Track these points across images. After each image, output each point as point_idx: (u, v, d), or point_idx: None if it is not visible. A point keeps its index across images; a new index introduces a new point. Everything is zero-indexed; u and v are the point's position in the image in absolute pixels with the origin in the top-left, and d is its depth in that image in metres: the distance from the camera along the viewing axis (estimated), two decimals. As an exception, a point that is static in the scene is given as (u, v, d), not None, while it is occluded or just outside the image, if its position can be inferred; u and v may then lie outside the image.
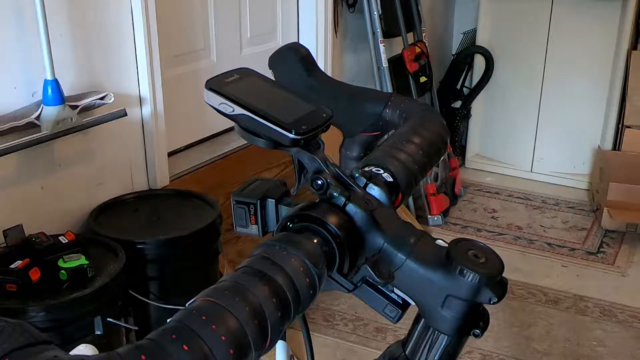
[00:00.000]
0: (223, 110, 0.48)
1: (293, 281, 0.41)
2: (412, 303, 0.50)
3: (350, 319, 2.48)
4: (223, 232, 1.94)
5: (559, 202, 3.59)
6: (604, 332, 2.46)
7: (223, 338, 0.34)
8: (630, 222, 3.14)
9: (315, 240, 0.46)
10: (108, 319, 1.54)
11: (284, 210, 0.52)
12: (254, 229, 0.54)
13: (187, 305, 0.37)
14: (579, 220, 3.38)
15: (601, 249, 3.09)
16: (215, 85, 0.50)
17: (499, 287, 0.46)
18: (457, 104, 3.95)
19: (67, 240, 1.62)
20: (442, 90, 3.89)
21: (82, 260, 1.56)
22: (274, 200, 0.53)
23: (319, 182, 0.50)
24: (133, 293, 1.71)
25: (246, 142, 0.50)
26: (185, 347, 0.33)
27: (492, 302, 0.46)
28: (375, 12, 3.02)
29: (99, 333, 1.52)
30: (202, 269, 1.87)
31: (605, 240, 3.17)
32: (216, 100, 0.48)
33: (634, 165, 3.26)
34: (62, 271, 1.53)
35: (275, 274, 0.41)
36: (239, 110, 0.47)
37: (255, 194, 0.53)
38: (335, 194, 0.47)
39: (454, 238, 0.50)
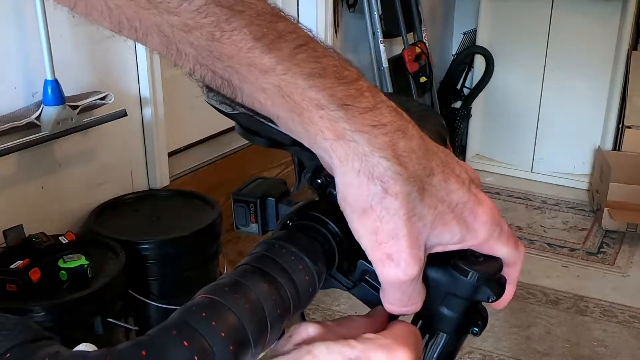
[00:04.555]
0: (224, 110, 0.48)
1: (292, 279, 0.41)
2: None
3: (350, 319, 2.48)
4: (223, 232, 1.94)
5: (559, 202, 3.59)
6: (604, 333, 2.46)
7: (223, 334, 0.35)
8: (630, 222, 3.14)
9: (314, 238, 0.46)
10: (108, 319, 1.54)
11: (284, 209, 0.52)
12: (253, 228, 0.54)
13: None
14: (579, 221, 3.38)
15: (601, 249, 3.09)
16: None
17: (497, 285, 0.47)
18: (457, 104, 3.95)
19: (67, 240, 1.62)
20: (442, 90, 3.89)
21: (82, 261, 1.56)
22: (273, 199, 0.53)
23: (319, 180, 0.49)
24: (133, 293, 1.71)
25: (246, 142, 0.50)
26: (186, 343, 0.33)
27: (490, 300, 0.46)
28: (375, 13, 3.02)
29: (99, 333, 1.52)
30: (202, 269, 1.87)
31: (605, 240, 3.17)
32: (217, 99, 0.48)
33: (634, 165, 3.26)
34: (62, 271, 1.53)
35: (275, 272, 0.41)
36: (239, 109, 0.48)
37: (255, 193, 0.54)
38: (334, 192, 0.47)
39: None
